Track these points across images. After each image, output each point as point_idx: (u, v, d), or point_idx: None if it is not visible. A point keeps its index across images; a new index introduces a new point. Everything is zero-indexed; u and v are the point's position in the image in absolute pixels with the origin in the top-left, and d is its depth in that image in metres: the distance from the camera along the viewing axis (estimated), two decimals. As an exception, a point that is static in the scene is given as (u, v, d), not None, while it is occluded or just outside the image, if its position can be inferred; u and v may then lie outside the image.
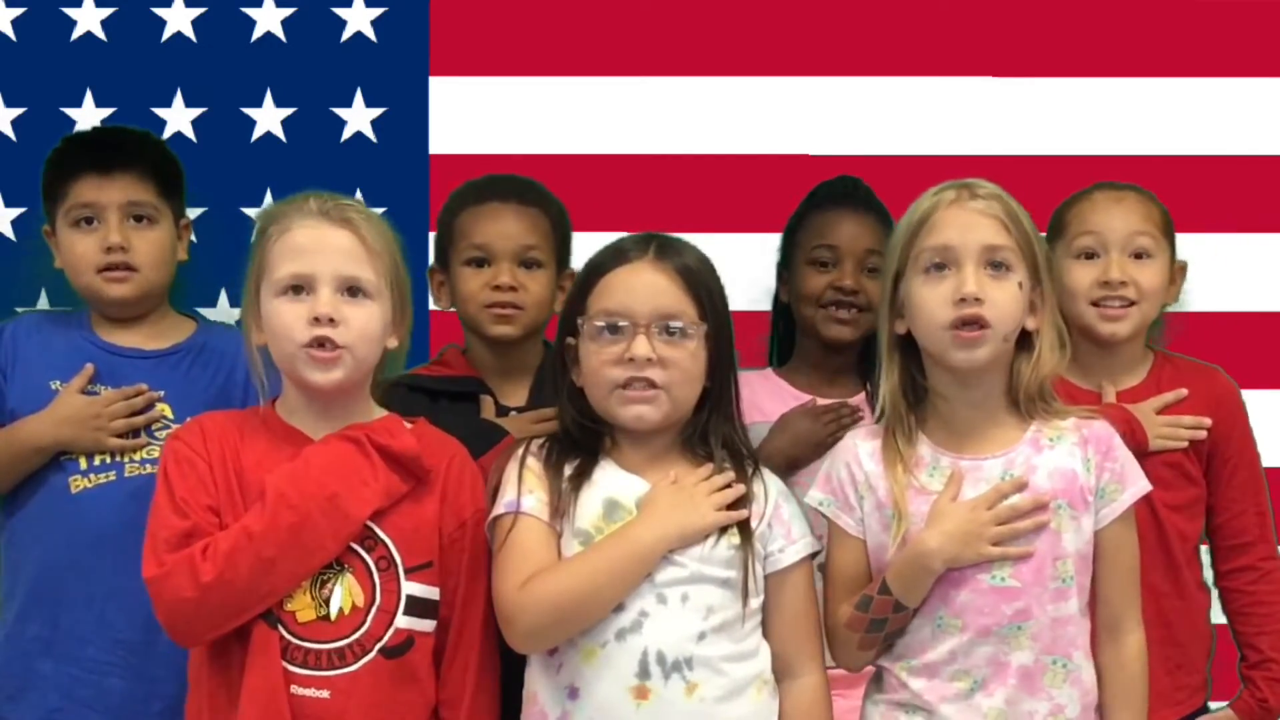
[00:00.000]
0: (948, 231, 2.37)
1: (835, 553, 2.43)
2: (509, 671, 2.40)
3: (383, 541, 2.34)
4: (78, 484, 2.76)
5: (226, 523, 2.30)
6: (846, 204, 2.89)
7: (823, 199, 2.93)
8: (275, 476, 2.31)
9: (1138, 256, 2.79)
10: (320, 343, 2.33)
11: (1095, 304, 2.77)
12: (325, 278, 2.34)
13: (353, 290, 2.36)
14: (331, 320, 2.32)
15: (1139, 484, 2.43)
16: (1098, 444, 2.41)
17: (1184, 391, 2.80)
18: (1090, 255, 2.79)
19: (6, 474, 2.79)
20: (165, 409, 2.78)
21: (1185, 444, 2.77)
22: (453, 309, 2.86)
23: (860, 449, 2.42)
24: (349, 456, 2.33)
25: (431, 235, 3.04)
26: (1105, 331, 2.78)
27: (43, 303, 3.04)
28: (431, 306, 3.05)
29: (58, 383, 2.79)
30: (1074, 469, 2.38)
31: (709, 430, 2.41)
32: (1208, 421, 2.79)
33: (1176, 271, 2.86)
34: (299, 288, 2.34)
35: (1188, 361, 2.88)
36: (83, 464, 2.76)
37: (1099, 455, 2.40)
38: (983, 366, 2.37)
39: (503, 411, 2.76)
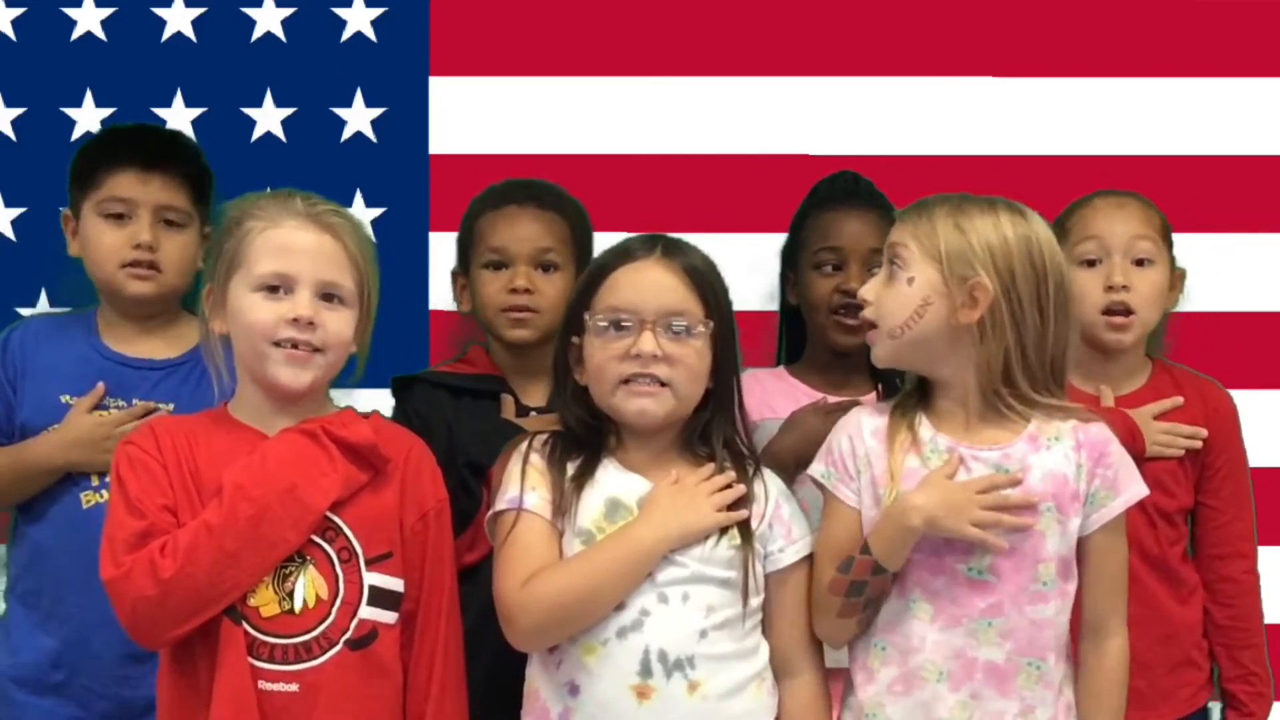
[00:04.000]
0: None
1: (829, 523, 2.43)
2: (509, 666, 2.41)
3: (344, 533, 2.34)
4: (89, 499, 2.77)
5: (184, 522, 2.30)
6: (848, 203, 2.88)
7: (824, 198, 2.92)
8: (232, 470, 2.30)
9: (1139, 263, 2.82)
10: (295, 344, 2.33)
11: (1102, 312, 2.79)
12: (306, 280, 2.35)
13: (329, 295, 2.37)
14: (310, 323, 2.33)
15: (1133, 490, 2.43)
16: (1091, 449, 2.41)
17: (1180, 400, 2.84)
18: (1092, 262, 2.82)
19: (17, 493, 2.80)
20: None
21: (1181, 452, 2.81)
22: (472, 312, 2.88)
23: (864, 424, 2.44)
24: (305, 448, 2.34)
25: (432, 235, 3.05)
26: (1109, 341, 2.82)
27: (42, 302, 3.03)
28: (432, 306, 3.05)
29: (68, 397, 2.79)
30: (1066, 473, 2.39)
31: (711, 430, 2.42)
32: (1204, 433, 2.83)
33: (1176, 278, 2.90)
34: (276, 287, 2.35)
35: (1186, 372, 2.92)
36: (94, 480, 2.77)
37: (1091, 461, 2.40)
38: (892, 362, 2.43)
39: (523, 411, 2.78)
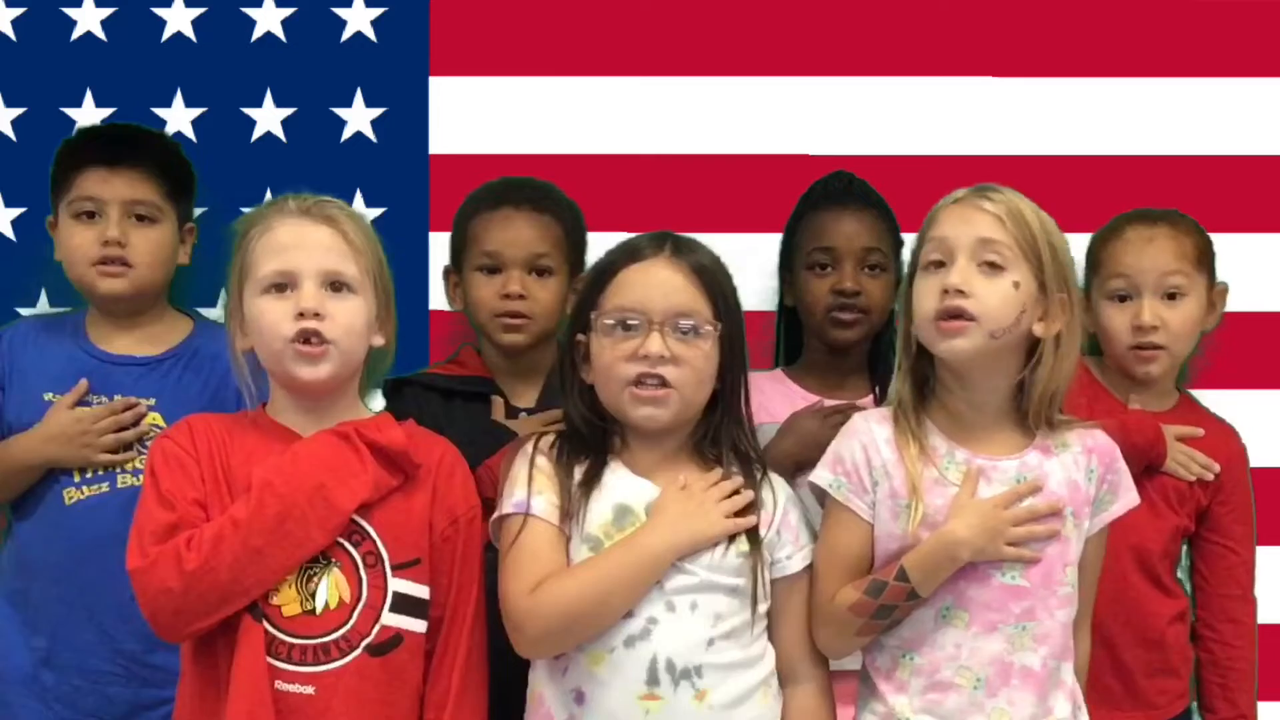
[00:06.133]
0: (944, 226, 2.38)
1: (837, 535, 2.41)
2: (513, 669, 2.40)
3: (370, 537, 2.33)
4: (71, 495, 2.77)
5: (213, 518, 2.29)
6: (841, 203, 2.88)
7: (818, 199, 2.91)
8: (262, 468, 2.30)
9: (1170, 297, 2.81)
10: (306, 337, 2.33)
11: (1130, 348, 2.80)
12: (309, 273, 2.35)
13: (336, 285, 2.36)
14: (317, 314, 2.33)
15: (1129, 497, 2.46)
16: (1101, 455, 2.43)
17: (1200, 431, 2.85)
18: (1123, 297, 2.82)
19: (3, 490, 2.80)
20: (156, 417, 2.79)
21: (1193, 478, 2.82)
22: (465, 311, 2.87)
23: (876, 434, 2.41)
24: (337, 450, 2.33)
25: (432, 235, 3.05)
26: (1139, 374, 2.84)
27: (43, 303, 3.03)
28: (432, 306, 3.05)
29: (52, 395, 2.80)
30: (1077, 479, 2.40)
31: (720, 433, 2.40)
32: (1217, 467, 2.84)
33: (1216, 295, 2.89)
34: (283, 285, 2.35)
35: (1209, 414, 2.92)
36: (76, 476, 2.77)
37: (1102, 467, 2.43)
38: (969, 360, 2.37)
39: (513, 413, 2.76)
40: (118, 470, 2.77)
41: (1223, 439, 2.89)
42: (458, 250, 2.88)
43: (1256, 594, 2.91)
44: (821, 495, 2.43)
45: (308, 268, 2.35)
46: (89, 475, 2.77)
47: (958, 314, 2.33)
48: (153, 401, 2.81)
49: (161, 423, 2.78)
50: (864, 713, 2.43)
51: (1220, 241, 2.99)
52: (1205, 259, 2.86)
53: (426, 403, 2.73)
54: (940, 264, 2.37)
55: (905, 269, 2.48)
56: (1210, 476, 2.83)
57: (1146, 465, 2.76)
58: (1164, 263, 2.81)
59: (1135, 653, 2.78)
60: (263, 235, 2.38)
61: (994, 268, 2.35)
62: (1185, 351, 2.87)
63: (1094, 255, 2.87)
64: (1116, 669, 2.77)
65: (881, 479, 2.38)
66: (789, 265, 2.92)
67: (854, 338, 2.83)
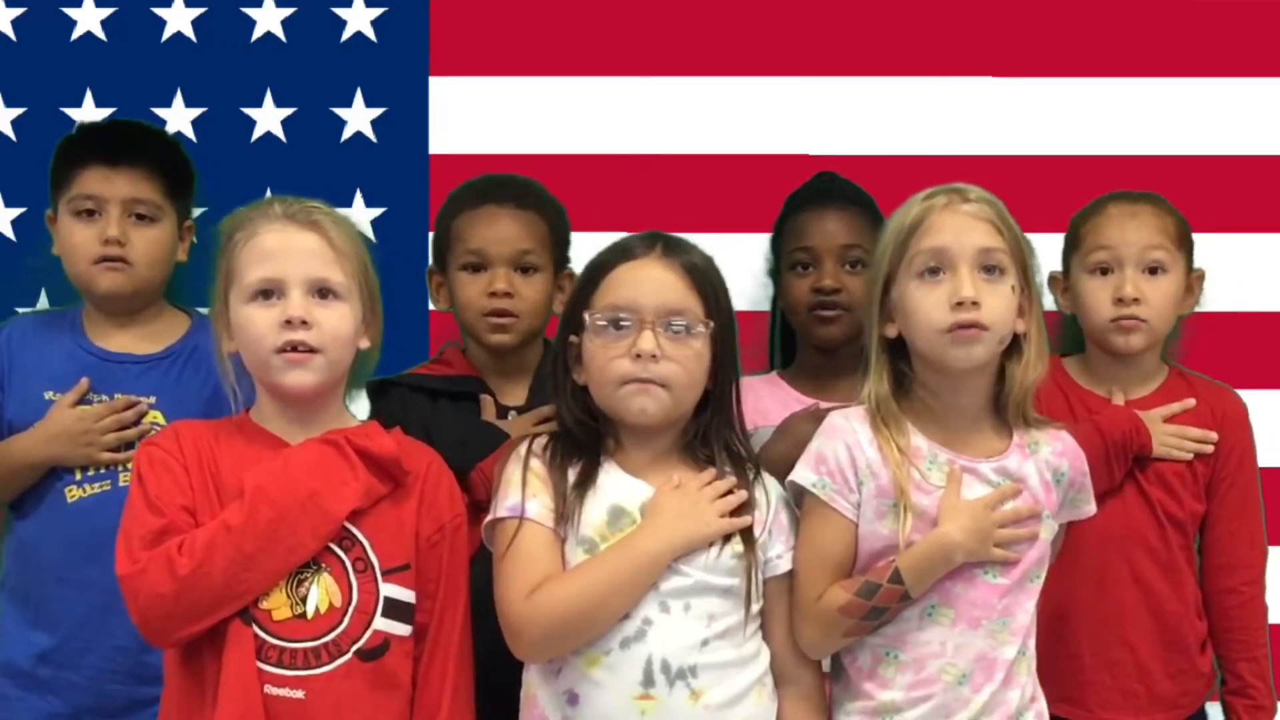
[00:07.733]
0: (943, 235, 2.38)
1: (822, 534, 2.40)
2: (498, 667, 2.40)
3: (360, 543, 2.33)
4: (73, 493, 2.78)
5: (202, 523, 2.29)
6: (821, 202, 2.87)
7: (801, 200, 2.91)
8: (255, 474, 2.30)
9: (1151, 271, 2.80)
10: (293, 346, 2.33)
11: (1111, 320, 2.78)
12: (295, 280, 2.34)
13: (323, 292, 2.36)
14: (304, 323, 2.33)
15: (1088, 508, 2.50)
16: (1073, 458, 2.46)
17: (1191, 401, 2.82)
18: (1105, 270, 2.80)
19: (4, 489, 2.81)
20: (157, 415, 2.79)
21: (1190, 456, 2.78)
22: (451, 311, 2.86)
23: (860, 433, 2.41)
24: (329, 457, 2.33)
25: (432, 235, 3.05)
26: (1119, 344, 2.80)
27: (42, 302, 3.04)
28: (432, 306, 3.05)
29: (52, 393, 2.80)
30: (1049, 480, 2.43)
31: (711, 433, 2.40)
32: (1214, 437, 2.80)
33: (1194, 280, 2.87)
34: (269, 292, 2.34)
35: (1202, 379, 2.89)
36: (77, 474, 2.77)
37: (1073, 470, 2.45)
38: (977, 368, 2.39)
39: (502, 412, 2.75)
40: (120, 469, 2.77)
41: (1217, 402, 2.83)
42: (441, 249, 2.85)
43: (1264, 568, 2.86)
44: (798, 494, 2.43)
45: (294, 275, 2.35)
46: (91, 474, 2.78)
47: (972, 325, 2.35)
48: (153, 399, 2.81)
49: (162, 421, 2.79)
50: (840, 714, 2.43)
51: (1220, 241, 3.00)
52: (1185, 241, 2.84)
53: (414, 404, 2.71)
54: (935, 270, 2.38)
55: (878, 269, 2.46)
56: (1209, 448, 2.79)
57: (1136, 456, 2.75)
58: (1147, 236, 2.80)
59: (1157, 654, 2.77)
60: (248, 240, 2.38)
61: (994, 274, 2.37)
62: (1165, 330, 2.83)
63: (1075, 231, 2.85)
64: (1140, 673, 2.75)
65: (867, 479, 2.39)
66: (777, 268, 2.93)
67: (837, 334, 2.81)
